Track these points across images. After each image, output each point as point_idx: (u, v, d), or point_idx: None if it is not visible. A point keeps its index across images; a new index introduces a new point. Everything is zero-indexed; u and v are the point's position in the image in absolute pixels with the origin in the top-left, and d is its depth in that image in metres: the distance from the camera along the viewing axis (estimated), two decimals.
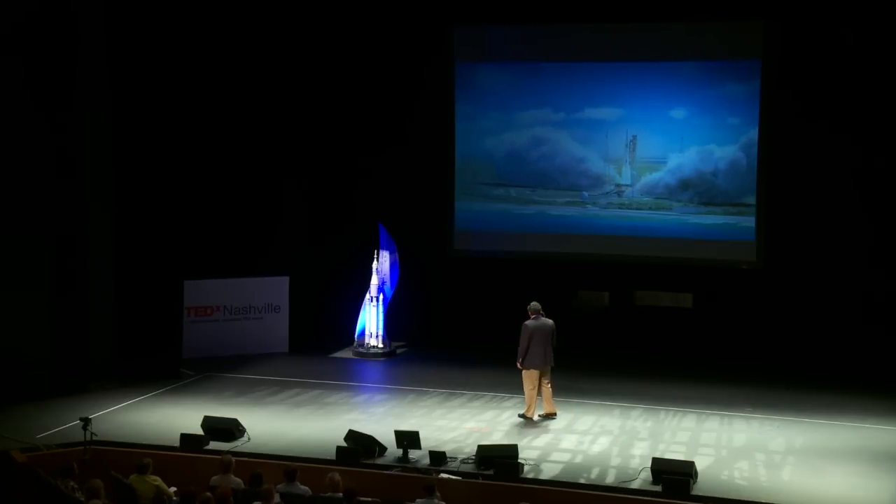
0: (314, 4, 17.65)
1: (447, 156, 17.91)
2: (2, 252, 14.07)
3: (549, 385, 13.25)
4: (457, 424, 13.08)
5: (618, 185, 17.23)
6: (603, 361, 16.05)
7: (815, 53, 16.17)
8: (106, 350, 15.04)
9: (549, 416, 13.25)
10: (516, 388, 13.61)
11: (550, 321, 13.21)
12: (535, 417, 13.22)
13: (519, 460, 11.36)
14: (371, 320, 16.79)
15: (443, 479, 10.88)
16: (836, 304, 16.21)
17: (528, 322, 13.15)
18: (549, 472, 11.37)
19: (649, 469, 11.14)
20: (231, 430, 12.25)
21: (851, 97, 16.00)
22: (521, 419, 13.22)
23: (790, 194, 16.46)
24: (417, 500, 10.06)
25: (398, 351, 17.00)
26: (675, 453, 11.91)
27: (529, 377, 13.11)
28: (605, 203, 17.33)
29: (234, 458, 10.75)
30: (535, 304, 13.25)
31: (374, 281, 16.71)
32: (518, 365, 13.13)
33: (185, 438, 11.98)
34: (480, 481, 11.05)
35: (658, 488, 10.78)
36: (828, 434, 12.81)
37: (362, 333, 16.91)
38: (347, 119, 18.08)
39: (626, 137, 17.11)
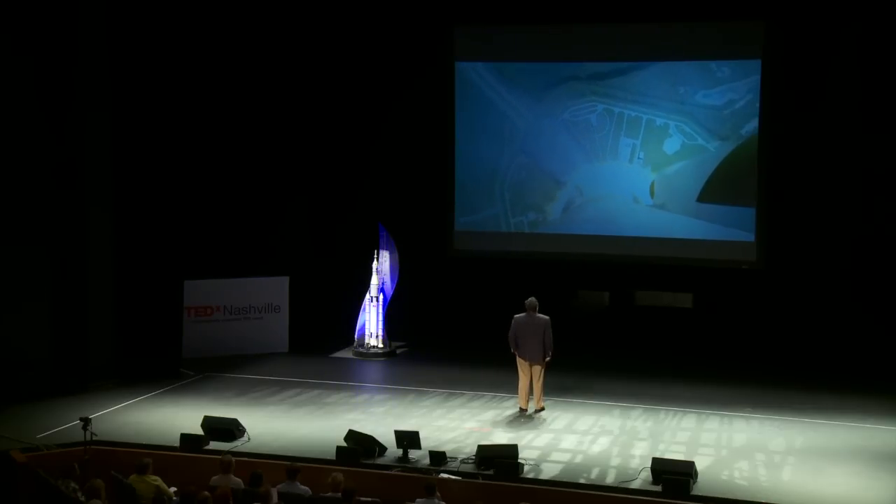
0: (314, 5, 17.66)
1: (447, 155, 17.91)
2: (2, 252, 14.06)
3: (540, 382, 13.37)
4: (457, 424, 13.08)
5: (617, 185, 17.20)
6: (603, 361, 16.05)
7: (815, 53, 16.18)
8: (106, 350, 15.03)
9: (536, 411, 13.45)
10: (516, 388, 13.63)
11: (543, 318, 13.31)
12: (529, 409, 13.43)
13: (519, 460, 11.37)
14: (371, 320, 16.79)
15: (443, 479, 10.88)
16: (837, 304, 16.20)
17: (516, 316, 13.44)
18: (549, 472, 11.37)
19: (649, 469, 11.14)
20: (231, 430, 12.26)
21: (851, 97, 16.01)
22: (521, 412, 13.45)
23: (790, 194, 16.47)
24: (417, 500, 10.06)
25: (398, 351, 17.00)
26: (675, 453, 11.91)
27: (519, 367, 13.39)
28: (605, 203, 17.31)
29: (234, 458, 10.75)
30: (528, 301, 13.46)
31: (374, 281, 16.71)
32: (513, 351, 13.47)
33: (185, 438, 11.98)
34: (480, 481, 11.05)
35: (658, 488, 10.78)
36: (828, 434, 12.81)
37: (362, 333, 16.91)
38: (347, 119, 18.09)
39: (626, 137, 17.10)
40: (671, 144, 16.89)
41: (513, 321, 13.45)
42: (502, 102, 17.63)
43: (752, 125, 16.49)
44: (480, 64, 17.70)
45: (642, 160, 17.05)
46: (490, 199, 17.82)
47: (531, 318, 13.35)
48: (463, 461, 11.51)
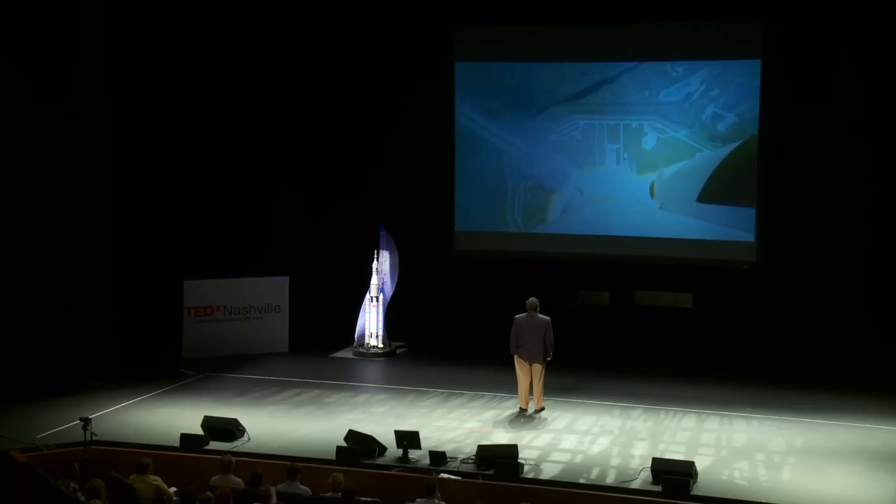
0: (314, 4, 17.66)
1: (447, 156, 17.91)
2: (2, 252, 14.06)
3: (540, 382, 13.40)
4: (457, 424, 13.09)
5: (617, 184, 17.21)
6: (603, 361, 16.05)
7: (815, 53, 16.17)
8: (106, 350, 15.04)
9: (536, 411, 13.48)
10: (516, 388, 13.63)
11: (544, 318, 13.32)
12: (529, 409, 13.45)
13: (519, 460, 11.37)
14: (371, 320, 16.79)
15: (443, 479, 10.88)
16: (836, 304, 16.21)
17: (517, 316, 13.44)
18: (549, 472, 11.38)
19: (649, 469, 11.14)
20: (231, 430, 12.26)
21: (851, 97, 16.01)
22: (521, 412, 13.46)
23: (790, 194, 16.46)
24: (417, 500, 10.07)
25: (398, 351, 17.00)
26: (675, 453, 11.92)
27: (517, 367, 13.40)
28: (605, 203, 17.32)
29: (234, 458, 10.76)
30: (528, 301, 13.48)
31: (375, 281, 16.71)
32: (512, 352, 13.47)
33: (185, 438, 11.99)
34: (480, 481, 11.05)
35: (658, 488, 10.78)
36: (828, 434, 12.81)
37: (362, 333, 16.90)
38: (347, 119, 18.08)
39: (626, 137, 17.11)
40: (648, 141, 17.00)
41: (514, 321, 13.47)
42: (496, 139, 17.69)
43: (710, 111, 16.62)
44: (469, 106, 17.68)
45: (627, 160, 17.11)
46: (490, 199, 17.81)
47: (532, 319, 13.36)
48: (463, 461, 11.51)
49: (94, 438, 11.59)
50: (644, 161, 17.04)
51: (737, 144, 16.64)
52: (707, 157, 16.79)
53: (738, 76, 16.59)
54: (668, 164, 16.96)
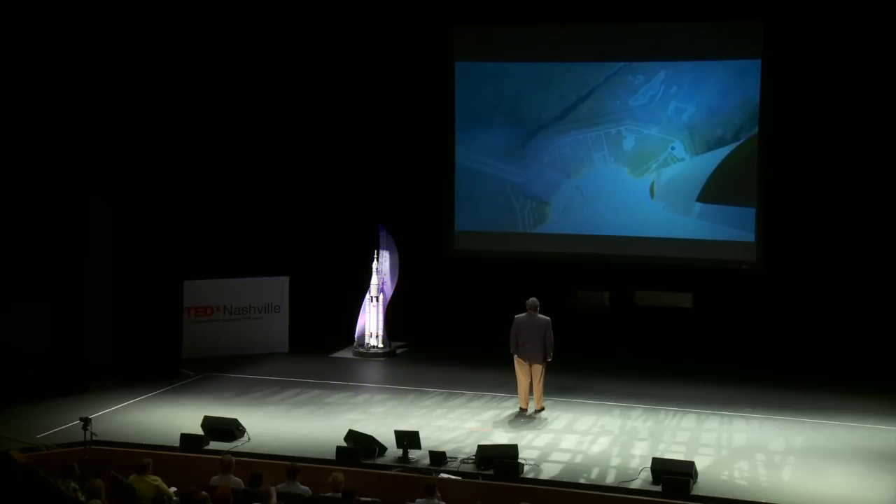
0: (314, 4, 17.66)
1: (447, 156, 17.91)
2: (2, 252, 14.06)
3: (541, 382, 13.40)
4: (457, 424, 13.09)
5: (617, 185, 17.22)
6: (603, 361, 16.06)
7: (815, 53, 16.17)
8: (106, 350, 15.04)
9: (536, 411, 13.48)
10: (516, 388, 13.63)
11: (544, 318, 13.32)
12: (529, 409, 13.46)
13: (519, 460, 11.37)
14: (371, 320, 16.79)
15: (443, 479, 10.88)
16: (837, 304, 16.20)
17: (517, 316, 13.45)
18: (549, 472, 11.38)
19: (649, 469, 11.15)
20: (231, 430, 12.26)
21: (851, 97, 16.00)
22: (521, 412, 13.47)
23: (790, 194, 16.46)
24: (417, 500, 10.07)
25: (398, 351, 17.00)
26: (675, 453, 11.92)
27: (517, 367, 13.40)
28: (605, 203, 17.33)
29: (234, 458, 10.76)
30: (529, 301, 13.48)
31: (374, 281, 16.71)
32: (511, 352, 13.47)
33: (185, 438, 11.99)
34: (480, 481, 11.05)
35: (658, 488, 10.79)
36: (828, 434, 12.81)
37: (362, 333, 16.90)
38: (347, 119, 18.08)
39: (626, 137, 17.13)
40: (627, 143, 17.14)
41: (514, 321, 13.47)
42: (496, 170, 17.77)
43: (673, 106, 16.82)
44: (480, 64, 17.71)
45: (613, 162, 17.20)
46: (490, 199, 17.85)
47: (532, 319, 13.36)
48: (463, 461, 11.51)
49: (94, 438, 11.59)
50: (627, 160, 17.14)
51: (736, 145, 16.64)
52: (707, 157, 16.79)
53: (690, 72, 16.77)
54: (650, 160, 16.98)
